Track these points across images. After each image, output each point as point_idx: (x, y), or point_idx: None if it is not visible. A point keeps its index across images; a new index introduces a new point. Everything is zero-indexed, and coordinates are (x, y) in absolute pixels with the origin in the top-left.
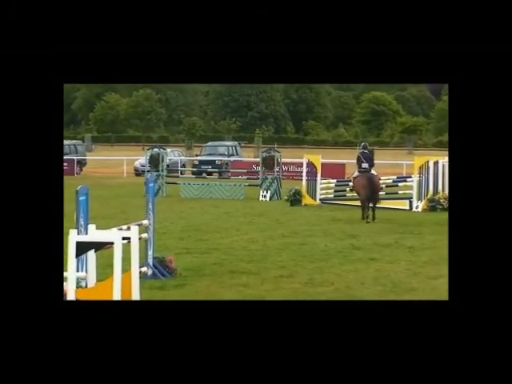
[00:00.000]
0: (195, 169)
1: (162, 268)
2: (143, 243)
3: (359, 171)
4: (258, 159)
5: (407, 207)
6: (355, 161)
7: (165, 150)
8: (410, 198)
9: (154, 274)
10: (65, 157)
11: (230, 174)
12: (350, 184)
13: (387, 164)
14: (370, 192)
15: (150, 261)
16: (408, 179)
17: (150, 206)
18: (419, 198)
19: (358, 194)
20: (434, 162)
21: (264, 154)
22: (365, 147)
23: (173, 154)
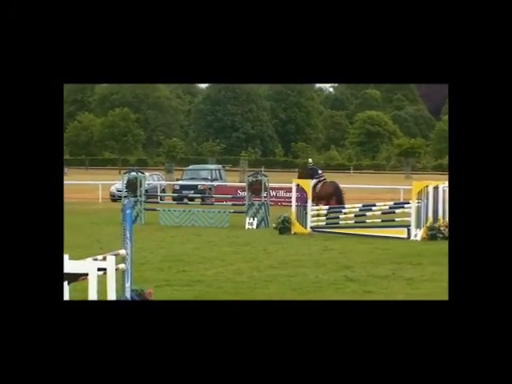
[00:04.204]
0: (176, 194)
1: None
2: (120, 274)
3: (316, 178)
4: (244, 184)
5: (405, 235)
6: (310, 172)
7: (143, 173)
8: (408, 226)
9: None
10: None
11: (213, 200)
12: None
13: (383, 189)
14: (338, 200)
15: (128, 294)
16: (406, 205)
17: (128, 235)
18: (418, 226)
19: (321, 199)
20: (434, 187)
21: (250, 179)
22: (312, 163)
23: (152, 178)
